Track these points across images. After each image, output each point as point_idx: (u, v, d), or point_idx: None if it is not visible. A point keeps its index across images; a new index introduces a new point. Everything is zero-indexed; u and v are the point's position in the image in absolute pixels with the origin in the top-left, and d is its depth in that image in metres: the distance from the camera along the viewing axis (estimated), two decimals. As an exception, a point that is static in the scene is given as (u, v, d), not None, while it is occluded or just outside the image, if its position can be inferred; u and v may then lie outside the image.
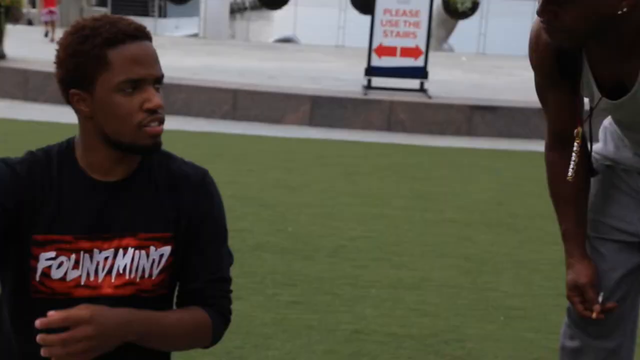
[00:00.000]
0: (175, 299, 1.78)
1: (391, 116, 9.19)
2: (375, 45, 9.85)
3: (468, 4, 15.83)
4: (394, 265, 4.48)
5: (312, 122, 9.21)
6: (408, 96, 9.51)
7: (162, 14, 24.82)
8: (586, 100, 2.05)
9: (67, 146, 1.67)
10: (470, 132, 9.00)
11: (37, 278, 1.61)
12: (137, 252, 1.63)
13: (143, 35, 1.59)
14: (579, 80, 1.96)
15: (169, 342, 1.65)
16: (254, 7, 29.26)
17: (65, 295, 1.61)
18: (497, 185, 6.60)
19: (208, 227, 1.70)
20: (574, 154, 2.01)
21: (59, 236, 1.61)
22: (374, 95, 9.51)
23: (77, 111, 1.62)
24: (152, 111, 1.57)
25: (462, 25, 17.70)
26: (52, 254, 1.60)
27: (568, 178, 2.02)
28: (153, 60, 1.58)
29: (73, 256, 1.61)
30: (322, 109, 9.27)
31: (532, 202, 5.96)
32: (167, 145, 1.77)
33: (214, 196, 1.72)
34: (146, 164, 1.67)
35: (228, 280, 1.73)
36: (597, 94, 1.94)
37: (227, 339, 3.43)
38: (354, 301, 3.92)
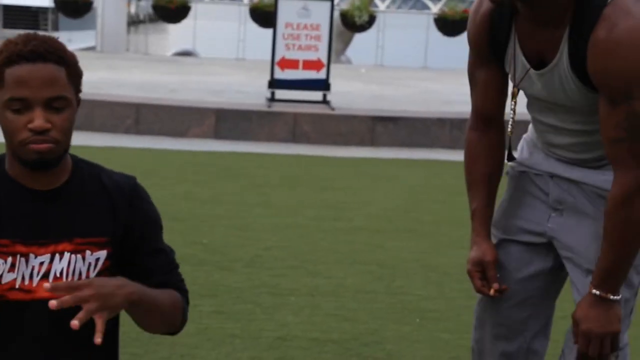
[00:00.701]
0: None
1: (296, 128, 9.31)
2: (277, 58, 9.96)
3: (365, 18, 16.10)
4: (310, 273, 4.58)
5: (217, 135, 9.23)
6: (311, 108, 9.65)
7: (54, 27, 24.34)
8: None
9: (0, 159, 1.76)
10: (374, 142, 9.20)
11: None
12: (73, 256, 1.72)
13: (39, 57, 1.64)
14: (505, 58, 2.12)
15: (154, 312, 1.74)
16: (151, 20, 29.01)
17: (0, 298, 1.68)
18: (403, 193, 6.80)
19: (150, 228, 1.84)
20: (511, 111, 2.19)
21: None
22: (278, 107, 9.61)
23: None
24: (38, 132, 1.64)
25: (359, 37, 17.99)
26: None
27: (508, 134, 2.20)
28: (42, 82, 1.64)
29: (10, 259, 1.69)
30: (227, 122, 9.31)
31: (437, 208, 6.17)
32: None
33: (149, 200, 1.85)
34: (77, 175, 1.78)
35: (178, 268, 1.88)
36: (522, 67, 2.09)
37: (154, 350, 3.48)
38: (274, 309, 4.01)
